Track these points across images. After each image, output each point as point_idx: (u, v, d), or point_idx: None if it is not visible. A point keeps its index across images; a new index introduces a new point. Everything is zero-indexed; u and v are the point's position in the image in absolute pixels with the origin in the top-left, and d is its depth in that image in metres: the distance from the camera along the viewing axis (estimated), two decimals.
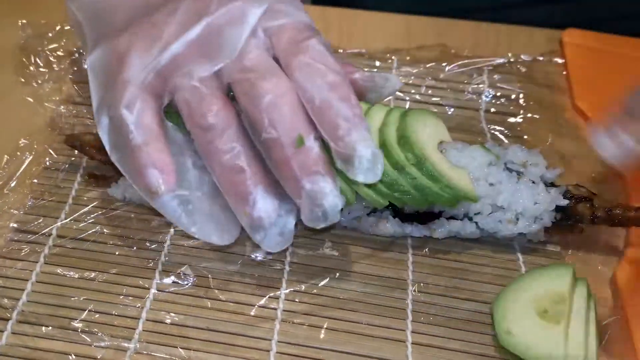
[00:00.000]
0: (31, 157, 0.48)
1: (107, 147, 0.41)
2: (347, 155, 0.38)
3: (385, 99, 0.46)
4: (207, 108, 0.40)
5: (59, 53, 0.55)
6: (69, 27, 0.57)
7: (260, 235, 0.40)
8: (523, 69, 0.58)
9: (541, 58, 0.59)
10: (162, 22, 0.42)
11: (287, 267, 0.43)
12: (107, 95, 0.41)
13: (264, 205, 0.39)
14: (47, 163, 0.48)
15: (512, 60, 0.58)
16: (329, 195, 0.38)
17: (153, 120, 0.41)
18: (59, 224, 0.44)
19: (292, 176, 0.39)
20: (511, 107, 0.55)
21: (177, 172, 0.40)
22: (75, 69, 0.54)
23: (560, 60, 0.59)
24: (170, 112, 0.42)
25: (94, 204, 0.46)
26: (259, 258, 0.44)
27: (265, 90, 0.39)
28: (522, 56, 0.59)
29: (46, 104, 0.52)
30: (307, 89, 0.40)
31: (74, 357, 0.38)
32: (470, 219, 0.44)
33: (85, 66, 0.48)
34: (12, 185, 0.46)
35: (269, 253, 0.44)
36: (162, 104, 0.41)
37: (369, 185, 0.41)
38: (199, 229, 0.40)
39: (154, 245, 0.44)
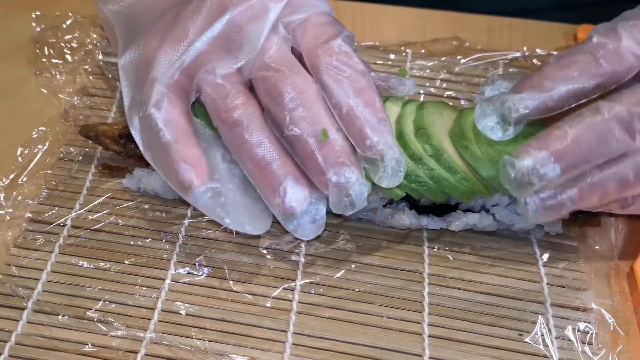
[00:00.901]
0: (45, 148, 0.48)
1: (140, 146, 0.42)
2: (372, 160, 0.39)
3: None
4: (231, 104, 0.41)
5: (73, 44, 0.55)
6: (82, 19, 0.57)
7: (293, 224, 0.40)
8: (538, 63, 0.57)
9: (556, 52, 0.58)
10: (188, 20, 0.43)
11: (302, 259, 0.43)
12: (137, 94, 0.43)
13: (295, 194, 0.39)
14: (62, 154, 0.48)
15: (527, 54, 0.58)
16: (355, 185, 0.39)
17: (181, 118, 0.42)
18: (73, 214, 0.44)
19: (318, 169, 0.39)
20: None
21: (208, 166, 0.41)
22: (89, 60, 0.54)
23: None
24: (197, 109, 0.43)
25: (109, 194, 0.46)
26: (274, 248, 0.44)
27: (286, 89, 0.40)
28: (537, 50, 0.58)
29: (60, 95, 0.52)
30: (333, 94, 0.40)
31: (90, 346, 0.38)
32: (487, 210, 0.44)
33: (100, 59, 0.48)
34: (27, 176, 0.46)
35: (284, 245, 0.44)
36: (189, 101, 0.42)
37: None
38: (233, 220, 0.41)
39: (168, 236, 0.44)
